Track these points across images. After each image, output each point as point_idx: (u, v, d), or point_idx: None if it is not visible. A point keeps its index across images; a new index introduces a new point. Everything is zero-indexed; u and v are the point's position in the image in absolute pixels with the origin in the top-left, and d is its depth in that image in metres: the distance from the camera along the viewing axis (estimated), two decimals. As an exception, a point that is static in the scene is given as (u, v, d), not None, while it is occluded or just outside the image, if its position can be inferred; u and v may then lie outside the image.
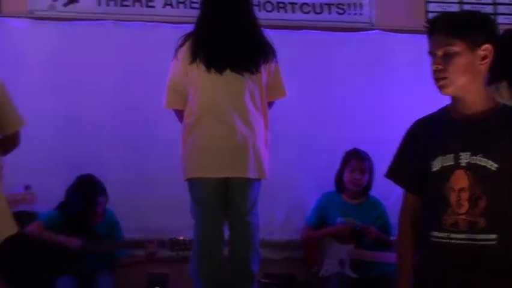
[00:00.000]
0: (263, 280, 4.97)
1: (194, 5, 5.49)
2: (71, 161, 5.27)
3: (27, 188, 4.40)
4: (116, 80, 5.47)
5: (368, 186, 5.29)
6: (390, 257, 4.88)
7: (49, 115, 5.33)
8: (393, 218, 5.03)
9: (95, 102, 5.42)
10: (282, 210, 5.57)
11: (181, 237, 4.99)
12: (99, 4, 5.55)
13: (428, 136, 2.85)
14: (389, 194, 5.22)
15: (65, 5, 5.52)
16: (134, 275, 5.23)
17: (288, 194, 5.57)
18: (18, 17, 5.45)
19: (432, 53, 2.78)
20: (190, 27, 4.24)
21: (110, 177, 5.18)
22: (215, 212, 4.17)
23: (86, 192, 4.92)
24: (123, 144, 5.43)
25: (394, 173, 2.96)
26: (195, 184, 4.18)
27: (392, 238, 5.05)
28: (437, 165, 2.76)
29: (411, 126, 2.95)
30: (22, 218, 4.69)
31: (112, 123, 5.44)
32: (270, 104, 4.32)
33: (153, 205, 5.38)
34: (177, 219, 4.98)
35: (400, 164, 2.93)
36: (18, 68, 5.31)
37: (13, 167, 4.41)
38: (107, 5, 5.56)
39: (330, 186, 5.35)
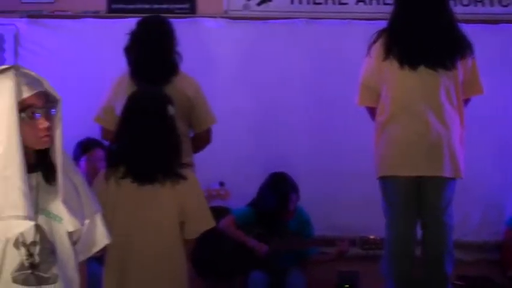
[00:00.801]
0: (456, 282, 4.84)
1: (387, 1, 5.41)
2: (264, 158, 5.35)
3: (222, 184, 4.51)
4: (309, 78, 5.48)
5: None
6: None
7: (244, 113, 5.41)
8: None
9: (287, 100, 5.46)
10: (477, 210, 5.39)
11: (372, 236, 4.93)
12: (292, 3, 5.58)
13: None
14: None
15: (259, 4, 5.60)
16: (325, 272, 5.22)
17: (485, 194, 5.38)
18: (214, 17, 5.58)
19: None
20: (383, 24, 4.18)
21: (302, 174, 5.21)
22: (407, 211, 4.09)
23: (279, 189, 4.95)
24: (315, 142, 5.43)
25: None
26: (387, 183, 4.12)
27: None
28: None
29: None
30: (216, 213, 4.81)
31: (304, 121, 5.46)
32: (466, 101, 4.19)
33: (344, 203, 5.36)
34: (368, 218, 4.95)
35: None
36: (214, 67, 5.42)
37: (208, 164, 4.56)
38: (300, 3, 5.58)
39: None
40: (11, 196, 2.34)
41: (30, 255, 2.42)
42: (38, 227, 2.43)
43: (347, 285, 5.16)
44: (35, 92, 2.38)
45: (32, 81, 2.40)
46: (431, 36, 4.01)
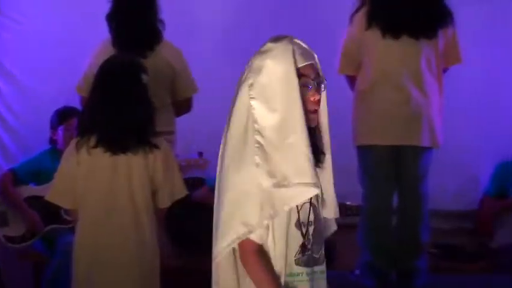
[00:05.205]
0: (432, 250, 4.85)
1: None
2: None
3: (200, 154, 4.50)
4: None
5: None
6: None
7: (222, 81, 5.33)
8: None
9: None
10: (454, 180, 5.42)
11: (348, 203, 4.93)
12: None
13: None
14: None
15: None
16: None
17: (461, 163, 5.40)
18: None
19: None
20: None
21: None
22: (385, 182, 4.12)
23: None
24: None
25: None
26: (365, 151, 4.12)
27: None
28: None
29: None
30: (194, 183, 4.81)
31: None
32: (445, 71, 4.19)
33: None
34: (345, 184, 4.95)
35: None
36: (194, 34, 5.37)
37: (187, 134, 4.55)
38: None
39: (506, 155, 5.16)
40: (297, 163, 2.25)
41: (307, 235, 2.35)
42: (313, 207, 2.37)
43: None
44: (309, 62, 2.34)
45: (306, 52, 2.36)
46: (413, 6, 3.99)
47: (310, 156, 2.25)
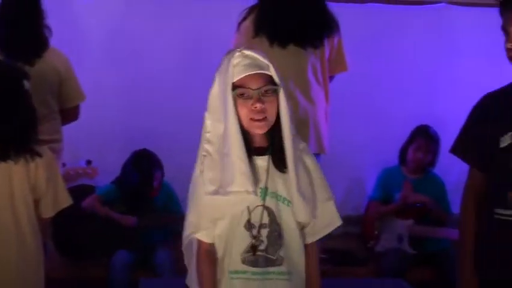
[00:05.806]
0: (320, 255, 4.90)
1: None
2: (132, 134, 5.28)
3: (89, 162, 4.45)
4: (178, 53, 5.44)
5: (429, 164, 5.24)
6: (450, 233, 4.88)
7: (111, 89, 5.32)
8: (453, 195, 4.99)
9: (154, 76, 5.40)
10: (341, 185, 5.53)
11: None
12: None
13: (497, 111, 2.73)
14: (450, 170, 5.14)
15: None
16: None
17: (348, 169, 5.54)
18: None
19: (505, 30, 2.65)
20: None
21: (170, 150, 5.18)
22: None
23: (141, 167, 4.89)
24: (182, 118, 5.37)
25: (460, 149, 2.86)
26: None
27: (454, 214, 4.98)
28: (506, 141, 2.66)
29: (480, 100, 2.83)
30: (82, 191, 4.74)
31: (172, 96, 5.40)
32: (331, 78, 4.26)
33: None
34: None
35: (467, 139, 2.82)
36: (82, 43, 5.31)
37: (76, 142, 4.48)
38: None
39: (390, 161, 5.29)
40: (230, 172, 2.37)
41: (259, 237, 2.44)
42: (268, 210, 2.45)
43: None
44: (249, 73, 2.40)
45: (252, 64, 2.43)
46: (300, 15, 4.02)
47: (243, 165, 2.38)
